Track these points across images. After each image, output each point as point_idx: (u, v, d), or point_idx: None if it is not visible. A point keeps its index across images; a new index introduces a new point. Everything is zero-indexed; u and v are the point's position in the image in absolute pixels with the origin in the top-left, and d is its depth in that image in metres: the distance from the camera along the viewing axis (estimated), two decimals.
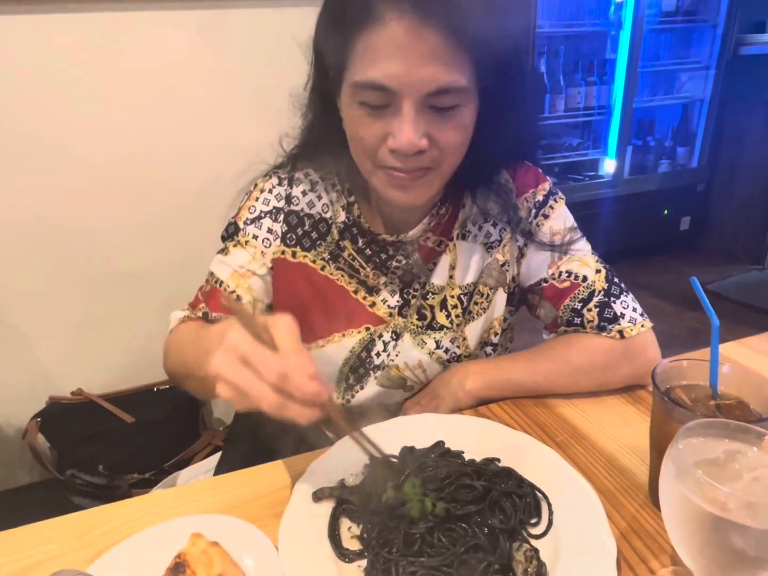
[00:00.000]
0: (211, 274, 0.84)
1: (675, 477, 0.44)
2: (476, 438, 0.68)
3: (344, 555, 0.54)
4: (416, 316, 0.84)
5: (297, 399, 0.48)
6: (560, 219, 0.85)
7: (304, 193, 0.84)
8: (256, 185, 0.86)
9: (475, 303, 0.86)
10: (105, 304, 1.59)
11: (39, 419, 1.26)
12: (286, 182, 0.85)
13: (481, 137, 0.71)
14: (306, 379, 0.48)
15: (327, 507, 0.59)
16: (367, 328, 0.84)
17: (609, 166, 3.43)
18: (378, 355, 0.85)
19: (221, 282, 0.82)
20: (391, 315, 0.84)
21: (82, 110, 1.45)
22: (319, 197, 0.84)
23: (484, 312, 0.86)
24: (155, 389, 1.30)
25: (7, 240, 1.48)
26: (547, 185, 0.86)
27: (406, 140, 0.65)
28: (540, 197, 0.85)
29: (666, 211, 3.57)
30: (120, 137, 1.50)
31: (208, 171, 1.45)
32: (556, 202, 0.85)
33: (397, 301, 0.85)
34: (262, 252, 0.83)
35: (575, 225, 0.86)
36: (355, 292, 0.84)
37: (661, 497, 0.47)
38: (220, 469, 0.86)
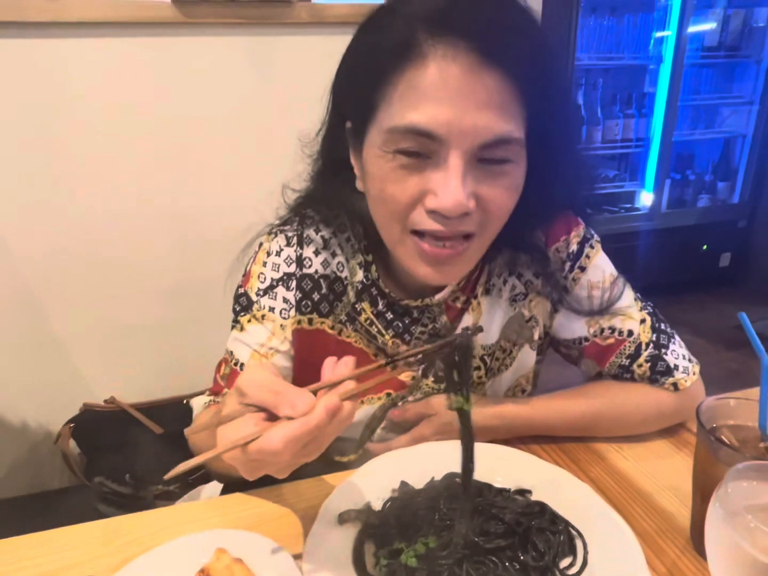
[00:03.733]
0: (231, 353, 0.75)
1: (723, 521, 0.41)
2: (507, 468, 0.66)
3: None
4: (432, 379, 0.78)
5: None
6: (599, 270, 0.77)
7: (316, 253, 0.75)
8: (261, 245, 0.77)
9: (496, 359, 0.79)
10: (142, 316, 1.64)
11: (72, 425, 1.28)
12: (295, 241, 0.75)
13: (526, 197, 0.63)
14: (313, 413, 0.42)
15: (352, 530, 0.58)
16: (389, 394, 0.77)
17: (646, 198, 3.37)
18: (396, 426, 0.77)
19: (242, 364, 0.73)
20: (413, 378, 0.77)
21: (128, 135, 1.53)
22: (333, 254, 0.75)
23: (506, 369, 0.80)
24: (185, 401, 1.31)
25: (50, 251, 1.55)
26: (580, 230, 0.78)
27: (452, 199, 0.55)
28: (574, 246, 0.77)
29: (705, 247, 3.47)
30: (164, 161, 1.57)
31: (246, 199, 1.48)
32: (593, 248, 0.77)
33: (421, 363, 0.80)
34: (281, 325, 0.74)
35: (615, 273, 0.78)
36: (375, 356, 0.77)
37: (707, 543, 0.45)
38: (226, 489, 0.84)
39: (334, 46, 0.63)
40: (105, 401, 1.36)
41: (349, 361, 0.47)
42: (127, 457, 1.22)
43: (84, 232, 1.56)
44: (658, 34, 3.14)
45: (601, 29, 3.09)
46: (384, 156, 0.58)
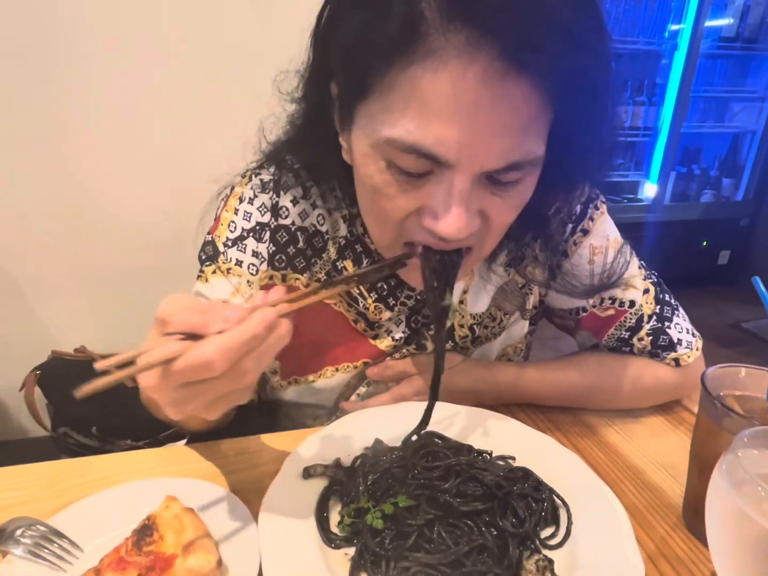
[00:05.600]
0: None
1: (731, 488, 0.37)
2: (490, 433, 0.62)
3: (331, 540, 0.48)
4: (414, 347, 0.73)
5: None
6: (602, 235, 0.70)
7: (294, 202, 0.67)
8: (233, 189, 0.69)
9: (485, 327, 0.74)
10: (119, 264, 1.58)
11: (38, 372, 1.23)
12: (270, 188, 0.67)
13: (541, 184, 0.53)
14: (230, 307, 0.39)
15: (318, 486, 0.53)
16: (366, 363, 0.72)
17: (650, 190, 3.31)
18: (376, 387, 0.73)
19: None
20: (395, 348, 0.72)
21: (105, 73, 1.45)
22: (314, 205, 0.68)
23: (495, 338, 0.75)
24: None
25: (19, 194, 1.48)
26: (585, 189, 0.67)
27: (454, 226, 0.47)
28: (577, 207, 0.69)
29: (705, 243, 3.43)
30: (142, 100, 1.50)
31: (223, 144, 1.40)
32: (597, 210, 0.70)
33: (404, 332, 0.72)
34: (248, 281, 0.67)
35: (621, 240, 0.71)
36: (355, 321, 0.70)
37: (708, 515, 0.40)
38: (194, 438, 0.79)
39: None
40: (75, 350, 1.30)
41: (279, 289, 0.42)
42: (95, 409, 1.17)
43: (56, 175, 1.48)
44: (675, 23, 3.05)
45: (617, 12, 3.00)
46: (375, 161, 0.48)
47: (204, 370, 0.36)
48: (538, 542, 0.49)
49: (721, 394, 0.51)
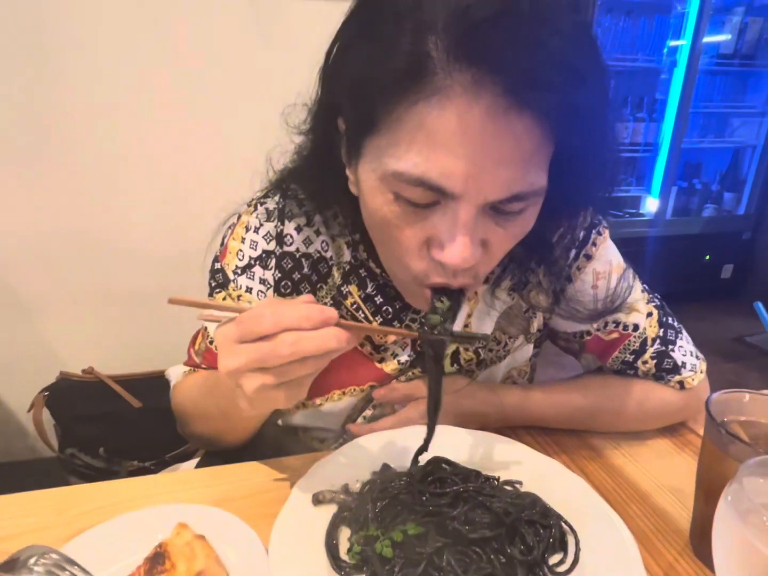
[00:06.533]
0: (206, 329, 0.72)
1: (737, 518, 0.37)
2: (497, 457, 0.62)
3: (341, 567, 0.49)
4: (419, 370, 0.73)
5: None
6: (605, 260, 0.71)
7: (298, 229, 0.69)
8: (240, 218, 0.71)
9: (489, 350, 0.74)
10: (126, 285, 1.59)
11: (47, 393, 1.24)
12: (275, 216, 0.69)
13: (545, 207, 0.54)
14: (307, 307, 0.45)
15: (327, 512, 0.54)
16: (372, 386, 0.73)
17: (651, 205, 3.33)
18: (382, 410, 0.74)
19: None
20: (401, 371, 0.73)
21: (112, 96, 1.48)
22: (318, 232, 0.70)
23: (500, 361, 0.75)
24: (165, 375, 1.25)
25: (30, 217, 1.50)
26: (587, 214, 0.70)
27: (460, 256, 0.48)
28: (580, 233, 0.70)
29: (708, 257, 3.44)
30: (151, 116, 1.53)
31: (233, 171, 1.42)
32: (600, 235, 0.71)
33: (409, 355, 0.72)
34: None
35: (623, 265, 0.73)
36: (361, 345, 0.71)
37: (714, 543, 0.40)
38: (203, 462, 0.80)
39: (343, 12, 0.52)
40: (83, 371, 1.31)
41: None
42: (103, 429, 1.18)
43: (63, 196, 1.51)
44: (674, 40, 3.09)
45: (616, 30, 3.05)
46: (383, 194, 0.50)
47: (273, 355, 0.44)
48: (546, 569, 0.49)
49: (726, 419, 0.52)
